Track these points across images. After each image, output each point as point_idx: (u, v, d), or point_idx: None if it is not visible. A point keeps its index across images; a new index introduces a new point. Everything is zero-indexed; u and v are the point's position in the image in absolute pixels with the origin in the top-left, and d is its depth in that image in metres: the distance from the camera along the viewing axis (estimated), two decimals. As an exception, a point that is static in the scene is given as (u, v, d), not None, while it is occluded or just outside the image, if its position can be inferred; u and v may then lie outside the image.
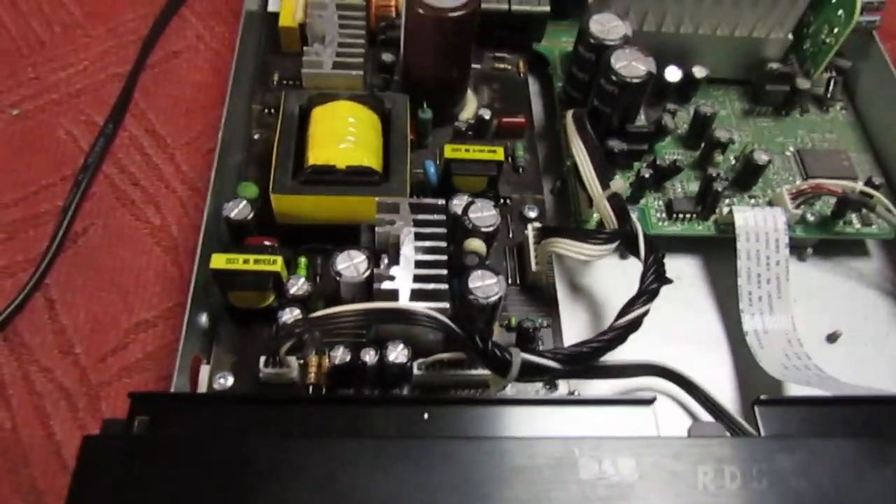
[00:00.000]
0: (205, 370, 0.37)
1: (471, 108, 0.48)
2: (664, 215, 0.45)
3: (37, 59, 0.50)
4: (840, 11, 0.46)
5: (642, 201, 0.45)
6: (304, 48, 0.43)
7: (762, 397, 0.29)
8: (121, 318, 0.41)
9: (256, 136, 0.45)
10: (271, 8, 0.52)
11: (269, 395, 0.35)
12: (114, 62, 0.51)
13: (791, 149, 0.48)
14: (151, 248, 0.44)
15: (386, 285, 0.35)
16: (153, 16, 0.53)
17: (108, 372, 0.40)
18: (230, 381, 0.37)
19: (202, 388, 0.36)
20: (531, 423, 0.28)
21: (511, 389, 0.36)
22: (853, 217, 0.45)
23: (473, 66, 0.50)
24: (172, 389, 0.34)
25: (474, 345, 0.33)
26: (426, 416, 0.28)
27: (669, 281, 0.38)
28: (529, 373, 0.34)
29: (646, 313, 0.36)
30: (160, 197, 0.46)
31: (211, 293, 0.38)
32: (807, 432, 0.28)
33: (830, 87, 0.50)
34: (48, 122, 0.48)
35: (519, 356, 0.33)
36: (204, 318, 0.38)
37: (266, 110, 0.46)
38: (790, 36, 0.48)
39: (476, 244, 0.39)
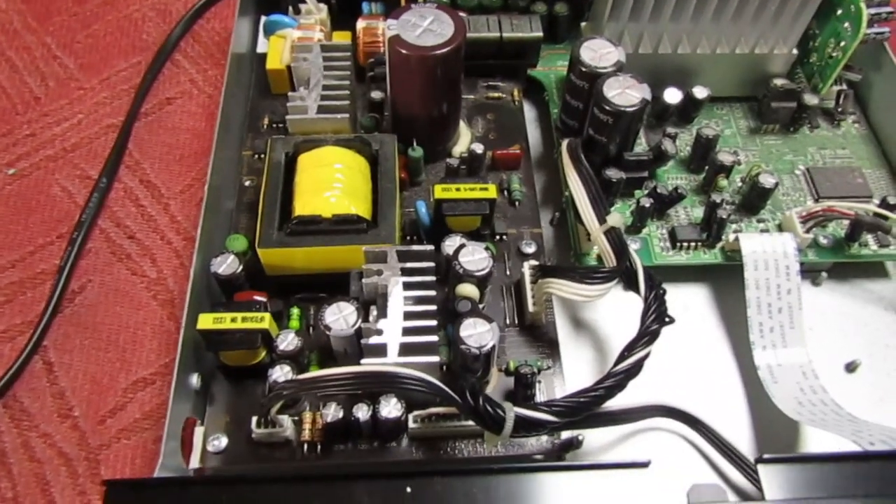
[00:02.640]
0: (199, 432, 0.36)
1: (464, 140, 0.47)
2: (668, 244, 0.43)
3: (32, 115, 0.51)
4: (846, 24, 0.44)
5: (645, 230, 0.44)
6: (289, 93, 0.43)
7: (765, 456, 0.28)
8: (118, 376, 0.41)
9: (247, 183, 0.45)
10: (261, 49, 0.52)
11: (246, 474, 0.34)
12: (108, 113, 0.51)
13: (801, 167, 0.46)
14: (148, 303, 0.44)
15: (374, 340, 0.34)
16: (146, 63, 0.53)
17: (106, 434, 0.39)
18: (224, 442, 0.36)
19: (196, 451, 0.36)
20: (520, 494, 0.27)
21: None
22: (868, 238, 0.43)
23: (466, 96, 0.49)
24: (161, 457, 0.33)
25: (465, 404, 0.32)
26: (409, 489, 0.27)
27: (671, 321, 0.36)
28: (525, 428, 0.33)
29: (646, 356, 0.35)
30: (155, 249, 0.46)
31: (203, 351, 0.38)
32: (816, 492, 0.26)
33: (841, 101, 0.47)
34: (44, 180, 0.48)
35: (512, 412, 0.32)
36: (195, 379, 0.37)
37: (256, 155, 0.46)
38: (795, 51, 0.46)
39: (468, 289, 0.38)
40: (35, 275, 0.44)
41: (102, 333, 0.43)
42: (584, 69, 0.42)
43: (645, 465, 0.27)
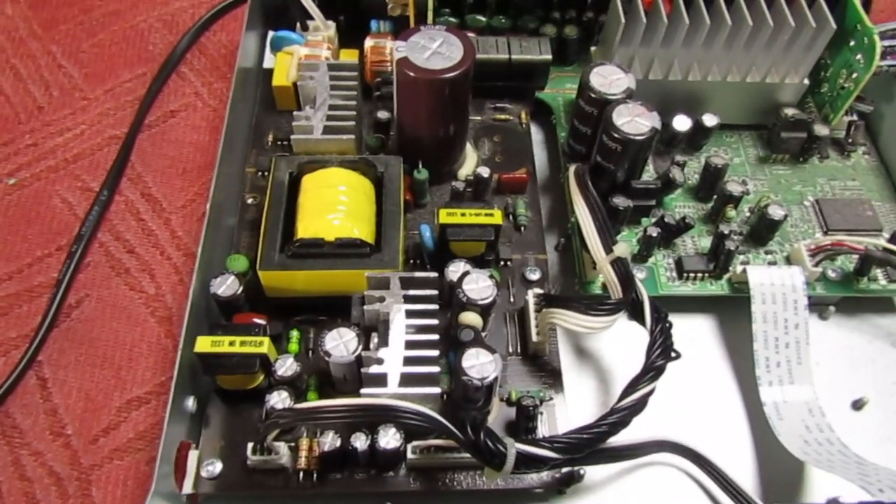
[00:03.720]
0: (193, 456, 0.36)
1: (470, 163, 0.46)
2: (674, 274, 0.43)
3: (35, 124, 0.50)
4: (859, 56, 0.43)
5: (651, 259, 0.43)
6: (294, 112, 0.42)
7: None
8: (113, 395, 0.40)
9: (250, 201, 0.44)
10: (267, 64, 0.51)
11: None
12: (111, 124, 0.51)
13: (810, 198, 0.45)
14: (146, 319, 0.43)
15: (374, 370, 0.34)
16: (151, 74, 0.53)
17: (99, 454, 0.39)
18: (219, 467, 0.35)
19: (190, 476, 0.35)
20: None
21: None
22: (878, 273, 0.42)
23: (473, 117, 0.49)
24: (153, 484, 0.32)
25: (466, 439, 0.31)
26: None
27: (678, 356, 0.35)
28: (526, 464, 0.32)
29: (651, 392, 0.34)
30: (155, 264, 0.45)
31: (199, 373, 0.37)
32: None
33: (851, 132, 0.47)
34: (44, 191, 0.47)
35: (514, 448, 0.31)
36: (191, 402, 0.36)
37: (260, 173, 0.45)
38: (806, 80, 0.45)
39: (472, 318, 0.37)
40: (32, 287, 0.44)
41: (98, 349, 0.42)
42: (593, 95, 0.42)
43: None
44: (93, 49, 0.55)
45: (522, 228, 0.44)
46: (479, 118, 0.49)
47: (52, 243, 0.45)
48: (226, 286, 0.38)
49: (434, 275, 0.37)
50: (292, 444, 0.36)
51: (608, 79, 0.42)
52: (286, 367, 0.36)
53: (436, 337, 0.35)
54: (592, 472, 0.37)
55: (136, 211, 0.47)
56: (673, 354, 0.35)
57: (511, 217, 0.45)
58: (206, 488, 0.35)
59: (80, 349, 0.42)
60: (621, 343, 0.42)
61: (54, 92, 0.52)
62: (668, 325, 0.36)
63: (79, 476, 0.38)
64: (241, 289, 0.38)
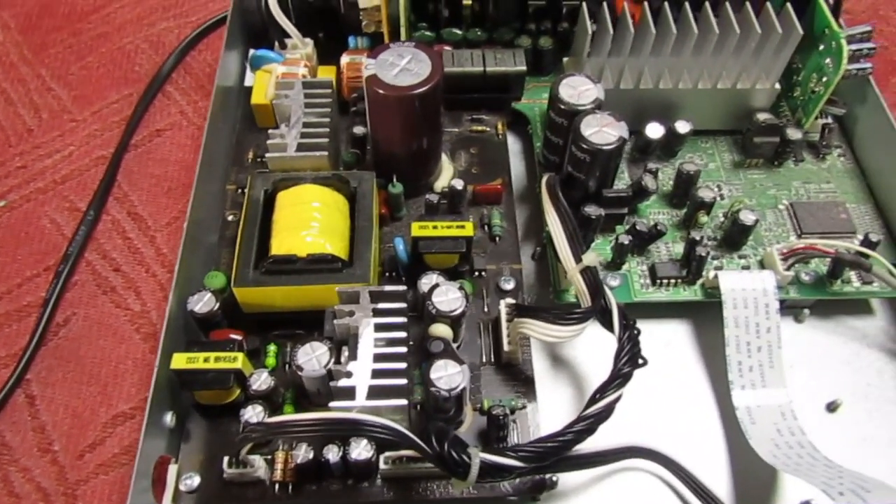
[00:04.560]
0: (173, 470, 0.36)
1: (446, 175, 0.47)
2: (648, 281, 0.43)
3: (24, 147, 0.52)
4: (828, 60, 0.43)
5: (625, 267, 0.44)
6: (269, 131, 0.43)
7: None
8: (99, 411, 0.42)
9: (230, 218, 0.45)
10: (248, 83, 0.52)
11: None
12: (98, 145, 0.52)
13: (785, 202, 0.46)
14: (131, 336, 0.44)
15: (343, 383, 0.34)
16: (138, 95, 0.54)
17: (85, 469, 0.40)
18: (196, 481, 0.36)
19: (169, 490, 0.36)
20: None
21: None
22: (851, 275, 0.42)
23: (450, 129, 0.49)
24: (129, 497, 0.33)
25: (431, 450, 0.32)
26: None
27: (645, 363, 0.36)
28: (491, 474, 0.32)
29: (618, 399, 0.35)
30: (140, 282, 0.46)
31: (179, 388, 0.38)
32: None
33: (825, 134, 0.47)
34: (33, 212, 0.49)
35: (478, 458, 0.32)
36: (169, 417, 0.37)
37: (239, 190, 0.46)
38: (777, 85, 0.46)
39: (442, 329, 0.38)
40: (21, 307, 0.45)
41: (85, 367, 0.43)
42: (562, 106, 0.42)
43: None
44: (81, 71, 0.56)
45: (497, 239, 0.45)
46: (455, 130, 0.50)
47: (41, 263, 0.47)
48: (202, 303, 0.38)
49: (403, 288, 0.37)
50: (268, 457, 0.36)
51: (577, 90, 0.43)
52: (260, 381, 0.37)
53: (403, 349, 0.36)
54: (567, 479, 0.38)
55: (123, 230, 0.48)
56: (640, 361, 0.36)
57: (486, 228, 0.45)
58: (184, 502, 0.36)
59: (67, 367, 0.43)
60: (596, 350, 0.43)
61: (44, 115, 0.53)
62: (636, 332, 0.37)
63: (65, 491, 0.39)
64: (217, 305, 0.39)
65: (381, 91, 0.40)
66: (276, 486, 0.36)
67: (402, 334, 0.36)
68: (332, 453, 0.35)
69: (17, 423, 0.41)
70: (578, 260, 0.39)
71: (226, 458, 0.36)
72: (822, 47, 0.44)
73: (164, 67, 0.55)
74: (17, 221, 0.48)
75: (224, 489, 0.36)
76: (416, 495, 0.37)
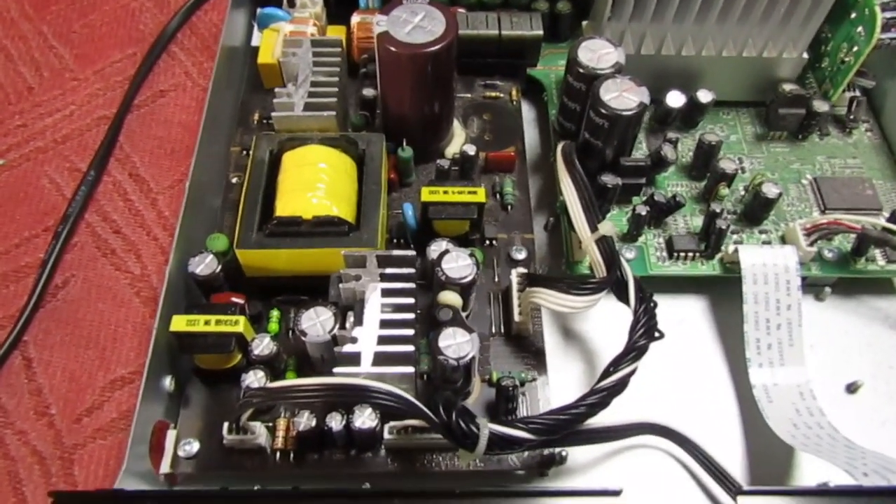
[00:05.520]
0: (171, 435, 0.35)
1: (458, 141, 0.46)
2: (665, 254, 0.42)
3: (24, 105, 0.50)
4: (860, 28, 0.42)
5: (641, 239, 0.42)
6: (276, 89, 0.41)
7: (745, 488, 0.26)
8: (97, 375, 0.41)
9: (234, 181, 0.44)
10: (255, 42, 0.51)
11: (201, 491, 0.33)
12: (101, 105, 0.50)
13: (808, 177, 0.44)
14: (131, 300, 0.43)
15: (348, 348, 0.33)
16: (142, 54, 0.53)
17: (82, 433, 0.39)
18: (196, 447, 0.35)
19: (168, 456, 0.35)
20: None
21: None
22: (876, 253, 0.41)
23: (463, 94, 0.48)
24: (124, 464, 0.32)
25: (439, 419, 0.30)
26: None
27: (661, 336, 0.35)
28: (500, 446, 0.31)
29: (633, 373, 0.34)
30: (141, 245, 0.45)
31: (178, 353, 0.37)
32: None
33: (853, 108, 0.45)
34: (33, 171, 0.47)
35: (486, 430, 0.31)
36: (168, 381, 0.36)
37: (244, 152, 0.45)
38: (805, 55, 0.44)
39: (451, 297, 0.36)
40: (19, 268, 0.44)
41: (83, 330, 0.42)
42: (581, 70, 0.41)
43: (617, 493, 0.26)
44: (84, 29, 0.54)
45: (509, 207, 0.43)
46: (468, 96, 0.48)
47: (40, 224, 0.45)
48: (203, 265, 0.37)
49: (412, 253, 0.36)
50: (270, 424, 0.35)
51: (597, 53, 0.41)
52: (263, 346, 0.36)
53: (411, 316, 0.34)
54: (575, 455, 0.37)
55: (124, 191, 0.47)
56: (657, 335, 0.35)
57: (498, 196, 0.44)
58: (183, 468, 0.35)
59: (65, 329, 0.42)
60: (609, 324, 0.41)
61: (45, 73, 0.52)
62: (652, 304, 0.35)
63: (61, 455, 0.38)
64: (218, 268, 0.37)
65: (392, 49, 0.38)
66: (277, 454, 0.35)
67: (410, 300, 0.35)
68: (336, 422, 0.34)
69: (14, 385, 0.40)
70: (594, 229, 0.37)
71: (226, 425, 0.34)
72: (853, 15, 0.42)
73: (170, 27, 0.54)
74: (17, 181, 0.47)
75: (224, 456, 0.35)
76: (420, 467, 0.35)
